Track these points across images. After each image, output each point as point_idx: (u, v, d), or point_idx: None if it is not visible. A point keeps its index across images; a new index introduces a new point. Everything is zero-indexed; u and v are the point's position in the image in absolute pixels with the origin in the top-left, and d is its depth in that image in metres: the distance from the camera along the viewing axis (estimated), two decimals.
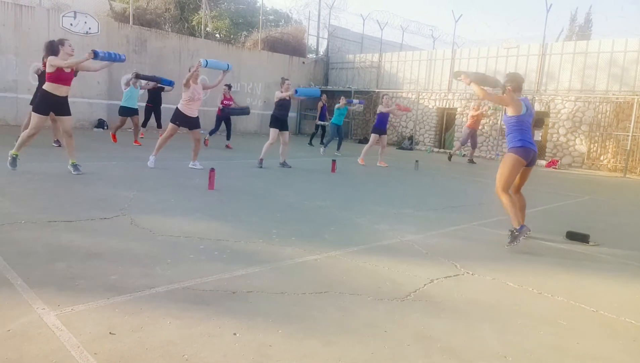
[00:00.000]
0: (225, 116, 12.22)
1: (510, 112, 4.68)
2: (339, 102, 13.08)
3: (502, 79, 4.90)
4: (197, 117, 7.90)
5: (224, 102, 12.24)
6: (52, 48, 6.24)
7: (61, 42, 6.28)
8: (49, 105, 6.32)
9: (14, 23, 13.30)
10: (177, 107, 7.78)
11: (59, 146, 9.01)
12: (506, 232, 5.10)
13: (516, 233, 4.48)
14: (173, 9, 18.92)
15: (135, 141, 11.23)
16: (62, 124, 6.57)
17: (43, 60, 6.80)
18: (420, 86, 18.45)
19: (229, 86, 12.67)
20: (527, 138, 4.64)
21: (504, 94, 4.69)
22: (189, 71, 7.73)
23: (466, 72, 4.91)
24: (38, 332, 2.26)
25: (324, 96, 15.67)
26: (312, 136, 15.98)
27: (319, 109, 15.17)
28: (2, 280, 2.84)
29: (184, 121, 7.74)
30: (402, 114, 15.77)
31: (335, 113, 13.07)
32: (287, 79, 9.07)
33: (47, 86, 6.26)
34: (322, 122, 15.04)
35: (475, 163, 13.65)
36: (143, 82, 11.58)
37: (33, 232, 3.83)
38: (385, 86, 19.51)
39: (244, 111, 11.54)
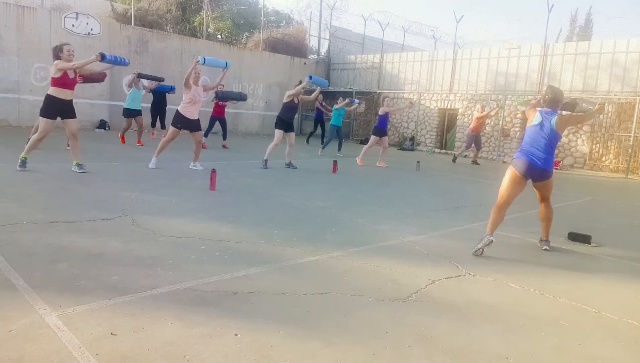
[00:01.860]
0: (220, 112, 12.30)
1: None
2: (337, 103, 13.08)
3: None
4: (198, 119, 7.86)
5: (219, 103, 12.26)
6: (56, 53, 6.48)
7: (60, 48, 6.50)
8: (56, 109, 6.57)
9: (16, 24, 13.33)
10: (177, 110, 7.72)
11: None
12: (506, 233, 5.12)
13: (486, 241, 4.18)
14: (175, 10, 18.93)
15: (139, 142, 11.28)
16: (68, 127, 6.76)
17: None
18: (422, 87, 18.43)
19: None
20: (527, 150, 4.42)
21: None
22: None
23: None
24: (40, 332, 2.26)
25: (320, 96, 15.83)
26: (310, 135, 16.05)
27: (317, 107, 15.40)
28: (3, 280, 2.84)
29: (184, 123, 7.69)
30: (405, 109, 16.23)
31: (333, 114, 13.05)
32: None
33: (52, 91, 6.51)
34: (325, 110, 15.00)
35: (479, 163, 13.62)
36: (145, 82, 11.61)
37: (34, 233, 3.83)
38: (387, 86, 19.50)
39: (241, 97, 11.50)
